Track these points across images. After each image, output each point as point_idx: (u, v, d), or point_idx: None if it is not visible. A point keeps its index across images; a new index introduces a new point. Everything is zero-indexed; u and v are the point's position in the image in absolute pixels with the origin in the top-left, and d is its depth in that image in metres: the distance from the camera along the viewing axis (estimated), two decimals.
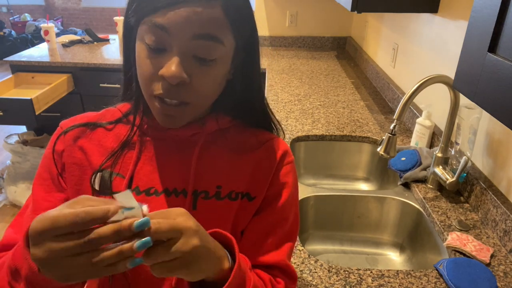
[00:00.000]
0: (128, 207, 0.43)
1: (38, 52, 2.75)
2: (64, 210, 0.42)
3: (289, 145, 0.67)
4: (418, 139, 1.40)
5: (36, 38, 5.88)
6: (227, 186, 0.65)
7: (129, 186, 0.64)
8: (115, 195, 0.44)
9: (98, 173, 0.64)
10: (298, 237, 0.87)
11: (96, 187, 0.64)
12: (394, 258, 1.26)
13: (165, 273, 0.46)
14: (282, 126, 1.58)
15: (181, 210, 0.49)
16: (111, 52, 2.83)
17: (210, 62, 0.55)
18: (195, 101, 0.57)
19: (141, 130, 0.67)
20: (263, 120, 0.71)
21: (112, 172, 0.64)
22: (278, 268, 0.67)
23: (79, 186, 0.65)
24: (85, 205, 0.44)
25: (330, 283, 0.88)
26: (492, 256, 0.95)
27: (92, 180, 0.64)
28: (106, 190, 0.64)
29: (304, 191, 1.25)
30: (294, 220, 0.70)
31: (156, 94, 0.55)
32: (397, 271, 0.92)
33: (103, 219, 0.42)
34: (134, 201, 0.44)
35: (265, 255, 0.66)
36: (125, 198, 0.44)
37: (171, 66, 0.53)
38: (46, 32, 2.82)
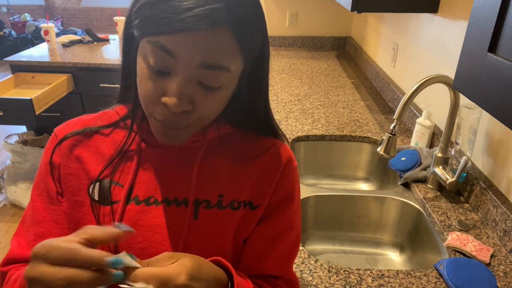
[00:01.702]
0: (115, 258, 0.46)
1: (38, 52, 2.75)
2: (62, 243, 0.44)
3: (289, 145, 0.67)
4: (418, 139, 1.40)
5: (36, 38, 5.88)
6: (229, 195, 0.63)
7: (128, 195, 0.62)
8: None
9: (97, 183, 0.62)
10: None
11: (96, 197, 0.62)
12: (394, 258, 1.26)
13: None
14: (282, 126, 1.59)
15: (165, 255, 0.50)
16: (111, 52, 2.83)
17: (216, 89, 0.53)
18: (197, 123, 0.56)
19: (141, 137, 0.64)
20: (266, 130, 0.69)
21: (111, 181, 0.62)
22: (282, 278, 0.66)
23: (77, 197, 0.63)
24: (90, 235, 0.46)
25: (330, 283, 0.88)
26: (492, 256, 0.95)
27: (91, 190, 0.62)
28: (106, 200, 0.62)
29: (304, 191, 1.25)
30: (298, 227, 0.68)
31: (157, 118, 0.54)
32: (397, 271, 0.92)
33: (88, 264, 0.44)
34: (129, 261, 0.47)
35: (270, 265, 0.65)
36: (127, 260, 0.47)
37: (175, 96, 0.50)
38: (46, 32, 2.82)
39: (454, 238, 0.99)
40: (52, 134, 0.66)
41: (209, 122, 0.59)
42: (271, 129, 0.69)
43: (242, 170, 0.65)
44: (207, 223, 0.62)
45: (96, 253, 0.44)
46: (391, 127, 1.08)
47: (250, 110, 0.64)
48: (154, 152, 0.64)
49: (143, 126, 0.64)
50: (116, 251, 0.60)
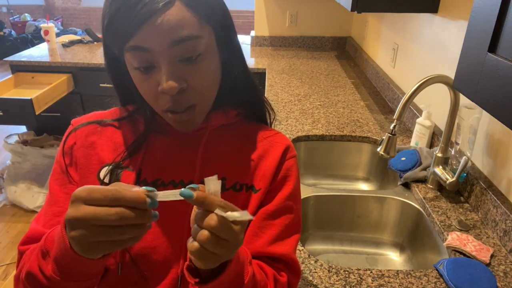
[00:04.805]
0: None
1: (38, 52, 2.75)
2: (102, 187, 0.46)
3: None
4: (418, 139, 1.40)
5: (36, 38, 5.88)
6: (232, 178, 0.68)
7: (137, 179, 0.67)
8: (206, 179, 0.48)
9: (108, 167, 0.67)
10: None
11: (106, 180, 0.67)
12: (394, 258, 1.26)
13: (209, 251, 0.47)
14: (282, 126, 1.58)
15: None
16: None
17: (197, 58, 0.58)
18: (200, 99, 0.61)
19: (150, 127, 0.70)
20: (255, 105, 0.74)
21: (121, 165, 0.68)
22: (283, 261, 0.67)
23: (87, 179, 0.67)
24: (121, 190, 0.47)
25: (330, 283, 0.88)
26: (492, 256, 0.95)
27: (103, 174, 0.67)
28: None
29: (304, 191, 1.25)
30: (298, 213, 0.71)
31: (165, 109, 0.60)
32: (397, 271, 0.92)
33: (131, 202, 0.45)
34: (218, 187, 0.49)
35: (270, 246, 0.67)
36: (213, 183, 0.48)
37: (165, 81, 0.56)
38: (46, 32, 2.82)
39: (454, 238, 0.99)
40: (70, 125, 0.72)
41: (212, 97, 0.65)
42: (259, 103, 0.74)
43: (243, 155, 0.70)
44: None
45: (139, 191, 0.46)
46: (391, 127, 1.08)
47: (233, 83, 0.68)
48: (161, 140, 0.70)
49: (152, 118, 0.69)
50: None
